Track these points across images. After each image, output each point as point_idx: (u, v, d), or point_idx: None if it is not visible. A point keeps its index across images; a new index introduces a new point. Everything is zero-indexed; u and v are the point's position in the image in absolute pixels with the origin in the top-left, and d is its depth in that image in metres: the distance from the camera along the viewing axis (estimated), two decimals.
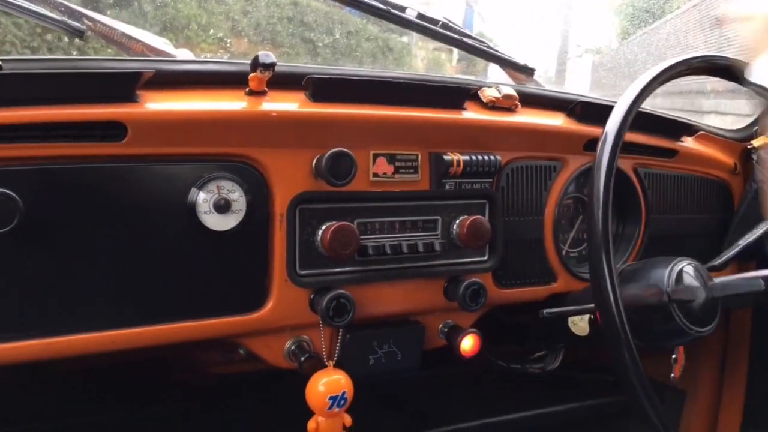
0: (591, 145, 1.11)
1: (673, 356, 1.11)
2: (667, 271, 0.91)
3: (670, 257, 0.94)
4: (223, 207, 0.82)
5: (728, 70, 1.02)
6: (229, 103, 0.85)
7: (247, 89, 0.86)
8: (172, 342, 0.84)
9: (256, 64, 0.83)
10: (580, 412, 1.42)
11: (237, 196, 0.84)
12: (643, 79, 0.93)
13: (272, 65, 0.83)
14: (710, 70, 1.02)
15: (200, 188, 0.82)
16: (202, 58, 1.02)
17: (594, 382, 1.39)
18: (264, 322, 0.89)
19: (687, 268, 0.92)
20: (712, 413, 1.49)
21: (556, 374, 1.24)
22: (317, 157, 0.88)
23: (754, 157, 1.32)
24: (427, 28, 1.04)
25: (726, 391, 1.48)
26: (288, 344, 0.93)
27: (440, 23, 1.07)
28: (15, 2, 0.90)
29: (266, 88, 0.87)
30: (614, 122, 0.88)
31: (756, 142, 1.35)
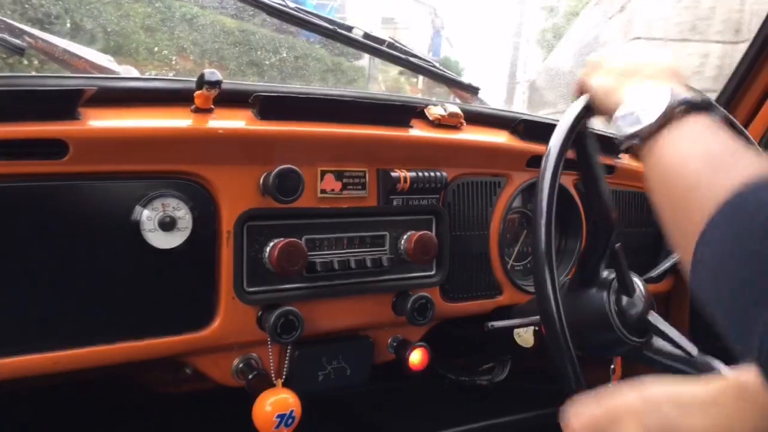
0: (533, 161, 1.15)
1: (612, 366, 1.15)
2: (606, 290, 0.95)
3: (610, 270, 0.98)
4: (168, 225, 0.82)
5: None
6: (175, 120, 0.85)
7: (193, 107, 0.86)
8: (116, 363, 0.82)
9: (201, 81, 0.83)
10: (528, 422, 1.44)
11: (183, 214, 0.83)
12: (585, 98, 0.96)
13: (218, 83, 0.83)
14: None
15: (144, 206, 0.81)
16: (147, 76, 1.01)
17: (541, 392, 1.42)
18: (211, 340, 0.88)
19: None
20: None
21: (504, 385, 1.26)
22: (264, 174, 0.88)
23: None
24: (374, 47, 1.06)
25: None
26: (236, 362, 0.93)
27: (386, 43, 1.09)
28: None
29: (213, 106, 0.87)
30: (557, 139, 0.90)
31: None
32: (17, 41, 0.81)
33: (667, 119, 0.63)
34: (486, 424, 1.39)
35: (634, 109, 0.68)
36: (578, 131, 0.86)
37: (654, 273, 1.18)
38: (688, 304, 1.50)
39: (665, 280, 1.35)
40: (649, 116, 0.65)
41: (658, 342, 0.95)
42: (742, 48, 1.34)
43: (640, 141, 0.67)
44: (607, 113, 0.77)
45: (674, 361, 0.94)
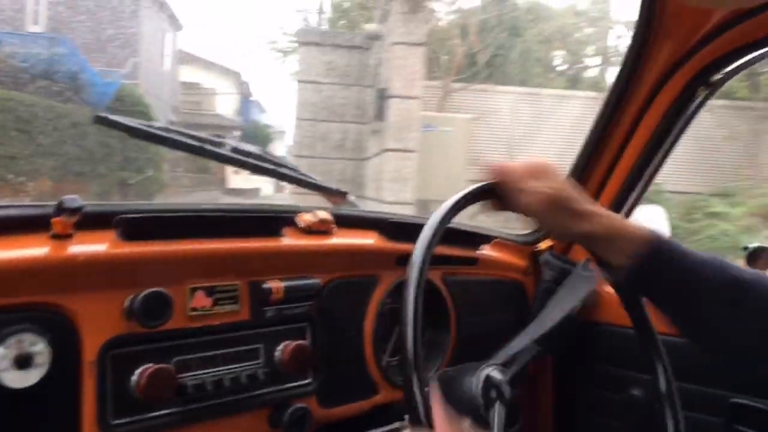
0: (403, 259, 1.20)
1: None
2: (474, 380, 1.00)
3: (477, 364, 1.04)
4: (23, 362, 0.77)
5: None
6: (30, 249, 0.81)
7: (51, 233, 0.83)
8: None
9: (61, 208, 0.81)
10: None
11: (40, 348, 0.78)
12: (450, 201, 1.03)
13: (78, 209, 0.81)
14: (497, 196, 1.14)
15: None
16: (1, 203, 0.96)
17: None
18: None
19: (493, 373, 1.02)
20: None
21: None
22: (130, 297, 0.86)
23: (540, 259, 1.51)
24: (243, 161, 1.08)
25: None
26: None
27: (255, 155, 1.11)
28: None
29: (72, 231, 0.84)
30: (423, 240, 0.95)
31: (541, 245, 1.54)
32: None
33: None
34: None
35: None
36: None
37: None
38: (551, 382, 1.60)
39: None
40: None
41: None
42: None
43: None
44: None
45: None
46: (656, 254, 0.83)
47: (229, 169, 9.28)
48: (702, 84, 1.34)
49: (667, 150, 1.41)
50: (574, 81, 11.70)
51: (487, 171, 0.93)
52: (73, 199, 0.81)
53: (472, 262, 1.38)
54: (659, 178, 1.24)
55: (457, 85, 10.61)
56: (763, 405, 1.26)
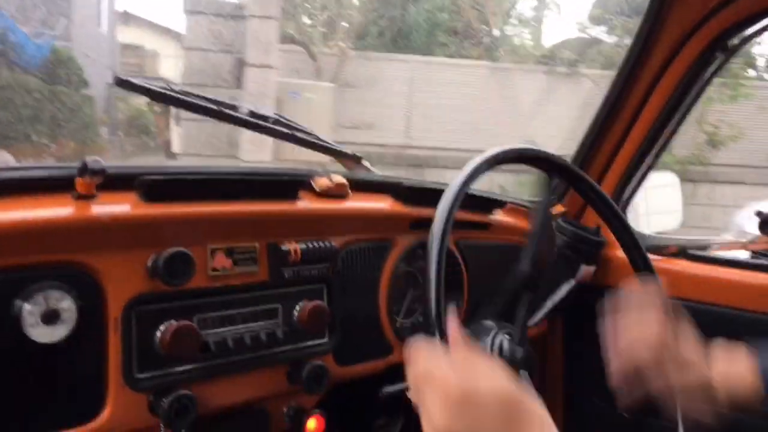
0: (417, 224, 1.21)
1: None
2: (489, 341, 1.02)
3: (491, 326, 1.06)
4: (51, 318, 0.79)
5: (545, 161, 1.14)
6: (55, 209, 0.83)
7: (75, 193, 0.85)
8: None
9: (84, 169, 0.82)
10: None
11: (67, 305, 0.81)
12: (471, 165, 1.03)
13: (102, 171, 0.83)
14: (529, 160, 1.13)
15: (25, 300, 0.78)
16: (23, 164, 0.97)
17: None
18: None
19: (505, 337, 1.04)
20: None
21: None
22: (153, 257, 0.88)
23: (554, 224, 1.52)
24: (259, 124, 1.08)
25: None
26: None
27: (272, 119, 1.12)
28: None
29: (96, 192, 0.86)
30: (445, 204, 0.96)
31: (554, 211, 1.55)
32: None
33: None
34: None
35: None
36: None
37: (531, 322, 1.28)
38: (561, 345, 1.63)
39: (540, 323, 1.46)
40: None
41: None
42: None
43: None
44: None
45: None
46: None
47: (175, 133, 9.13)
48: (719, 49, 1.33)
49: (680, 119, 1.41)
50: (490, 50, 11.33)
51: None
52: (95, 161, 0.83)
53: (485, 226, 1.39)
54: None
55: (354, 52, 10.48)
56: None
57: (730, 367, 0.83)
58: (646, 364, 0.84)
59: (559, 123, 7.56)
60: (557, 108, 9.03)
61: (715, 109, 8.17)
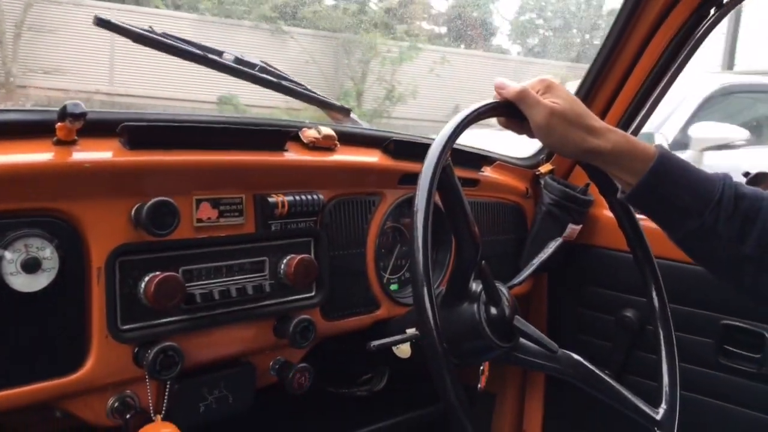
0: (405, 179, 1.20)
1: (481, 368, 1.23)
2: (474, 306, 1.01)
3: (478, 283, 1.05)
4: (31, 266, 0.77)
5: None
6: (34, 154, 0.80)
7: (54, 139, 0.81)
8: None
9: (64, 114, 0.79)
10: (408, 423, 1.51)
11: (48, 253, 0.79)
12: (456, 119, 1.01)
13: (82, 115, 0.79)
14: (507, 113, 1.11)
15: (5, 248, 0.75)
16: (1, 107, 0.93)
17: (419, 395, 1.49)
18: (83, 383, 0.84)
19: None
20: (518, 411, 1.68)
21: (383, 394, 1.31)
22: (136, 206, 0.85)
23: (542, 182, 1.51)
24: (245, 71, 1.05)
25: (528, 390, 1.67)
26: (111, 402, 0.89)
27: (258, 67, 1.08)
28: None
29: (76, 137, 0.83)
30: (432, 157, 0.94)
31: (542, 169, 1.54)
32: None
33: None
34: (367, 430, 1.43)
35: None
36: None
37: (517, 280, 1.27)
38: (545, 302, 1.64)
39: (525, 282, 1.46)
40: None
41: (524, 343, 1.03)
42: None
43: None
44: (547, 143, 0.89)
45: (538, 358, 1.02)
46: (658, 171, 0.84)
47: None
48: (714, 5, 1.31)
49: (675, 73, 1.39)
50: None
51: (496, 88, 0.92)
52: (75, 105, 0.79)
53: (474, 183, 1.37)
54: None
55: None
56: (751, 326, 1.30)
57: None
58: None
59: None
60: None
61: (400, 69, 8.76)
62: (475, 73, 9.24)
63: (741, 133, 4.29)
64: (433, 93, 9.09)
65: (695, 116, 4.28)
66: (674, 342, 1.02)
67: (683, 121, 4.23)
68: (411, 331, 0.94)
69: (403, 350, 1.10)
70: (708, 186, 0.84)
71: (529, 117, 0.87)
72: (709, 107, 4.42)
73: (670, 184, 0.84)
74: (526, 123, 0.90)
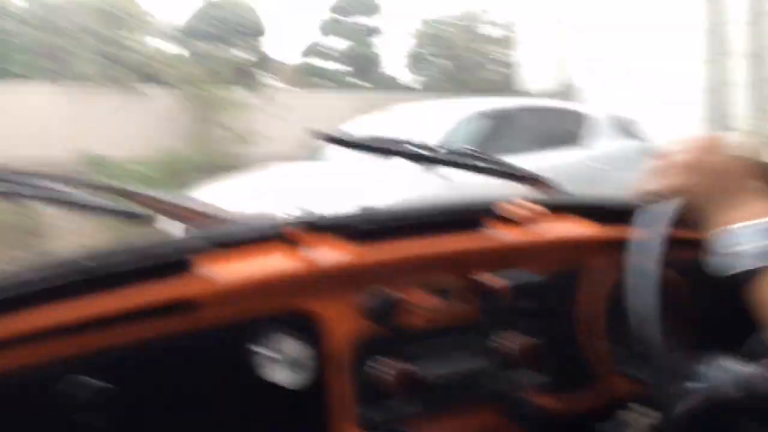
0: (612, 246, 1.13)
1: None
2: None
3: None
4: (287, 363, 0.84)
5: None
6: (283, 260, 0.89)
7: (283, 240, 0.91)
8: None
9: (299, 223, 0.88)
10: None
11: (300, 350, 0.86)
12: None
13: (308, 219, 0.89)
14: None
15: (264, 346, 0.84)
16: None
17: None
18: None
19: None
20: None
21: None
22: (366, 299, 0.91)
23: None
24: (458, 162, 1.07)
25: None
26: None
27: (468, 155, 1.11)
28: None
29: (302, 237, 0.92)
30: (661, 218, 0.90)
31: None
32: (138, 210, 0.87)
33: None
34: None
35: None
36: None
37: None
38: None
39: None
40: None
41: None
42: None
43: None
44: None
45: None
46: None
47: None
48: None
49: None
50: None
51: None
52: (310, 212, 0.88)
53: (696, 243, 1.26)
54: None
55: None
56: None
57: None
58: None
59: None
60: None
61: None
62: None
63: None
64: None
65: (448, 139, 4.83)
66: None
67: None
68: None
69: None
70: None
71: None
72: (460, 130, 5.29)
73: None
74: None
